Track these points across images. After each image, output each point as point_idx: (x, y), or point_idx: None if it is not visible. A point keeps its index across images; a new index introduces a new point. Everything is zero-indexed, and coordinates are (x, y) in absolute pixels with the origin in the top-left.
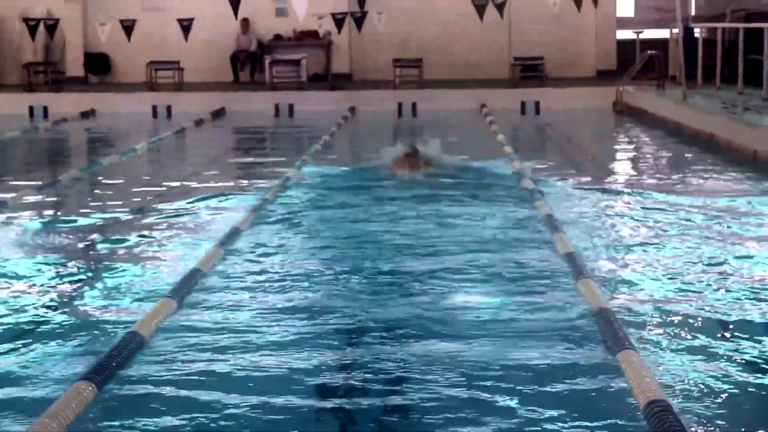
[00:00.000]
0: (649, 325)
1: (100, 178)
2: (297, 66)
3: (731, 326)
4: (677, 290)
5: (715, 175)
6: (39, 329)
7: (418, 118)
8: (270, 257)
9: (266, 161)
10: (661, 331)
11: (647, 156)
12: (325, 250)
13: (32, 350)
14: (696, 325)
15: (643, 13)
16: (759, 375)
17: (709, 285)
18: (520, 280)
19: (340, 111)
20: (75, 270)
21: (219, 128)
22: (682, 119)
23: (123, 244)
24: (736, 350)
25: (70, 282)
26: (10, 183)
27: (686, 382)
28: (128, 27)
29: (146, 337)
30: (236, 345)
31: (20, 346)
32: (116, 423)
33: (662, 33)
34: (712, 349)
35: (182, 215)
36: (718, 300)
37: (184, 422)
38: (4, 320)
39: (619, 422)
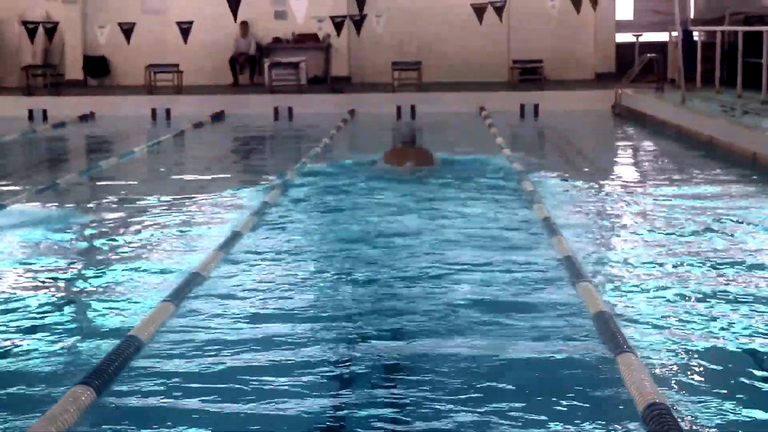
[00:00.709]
0: (648, 327)
1: (99, 181)
2: (296, 69)
3: (731, 329)
4: (676, 292)
5: (714, 178)
6: (37, 333)
7: (416, 120)
8: (270, 261)
9: (266, 164)
10: (660, 333)
11: (646, 159)
12: (325, 252)
13: (30, 354)
14: (695, 327)
15: (642, 16)
16: (758, 377)
17: (709, 287)
18: (519, 282)
19: (340, 114)
20: (73, 273)
21: (218, 131)
22: (681, 122)
23: (121, 248)
24: (736, 353)
25: (68, 285)
26: (9, 186)
27: (685, 384)
28: (127, 30)
29: (144, 341)
30: (235, 349)
31: (18, 349)
32: (114, 427)
33: (661, 36)
34: (711, 352)
35: (181, 219)
36: (718, 302)
37: (182, 427)
38: (2, 323)
39: (618, 425)
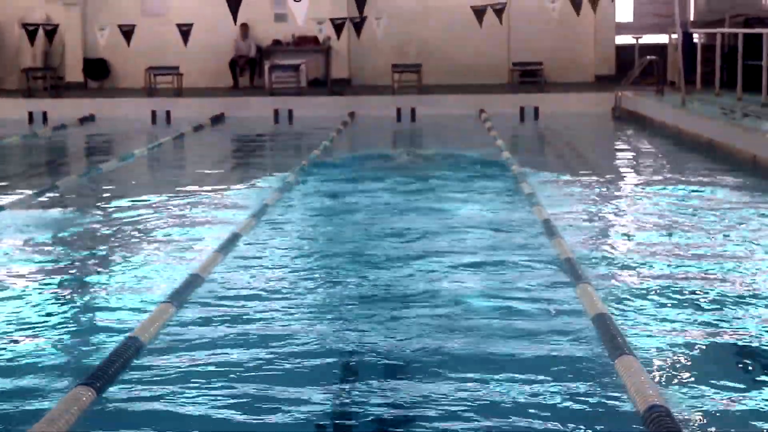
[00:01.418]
0: (647, 329)
1: (99, 183)
2: (296, 71)
3: (732, 331)
4: (676, 295)
5: (714, 181)
6: (38, 334)
7: (416, 123)
8: (270, 262)
9: (266, 167)
10: (659, 335)
11: (646, 161)
12: (325, 253)
13: (31, 355)
14: (695, 329)
15: (642, 18)
16: (759, 380)
17: (709, 289)
18: (519, 285)
19: (340, 116)
20: (73, 275)
21: (218, 134)
22: (681, 124)
23: (121, 250)
24: (736, 355)
25: (68, 287)
26: (9, 188)
27: (686, 387)
28: (127, 32)
29: (145, 343)
30: (236, 350)
31: (19, 351)
32: (115, 428)
33: (661, 38)
34: (712, 354)
35: (181, 220)
36: (718, 305)
37: (183, 428)
38: (3, 325)
39: (619, 428)
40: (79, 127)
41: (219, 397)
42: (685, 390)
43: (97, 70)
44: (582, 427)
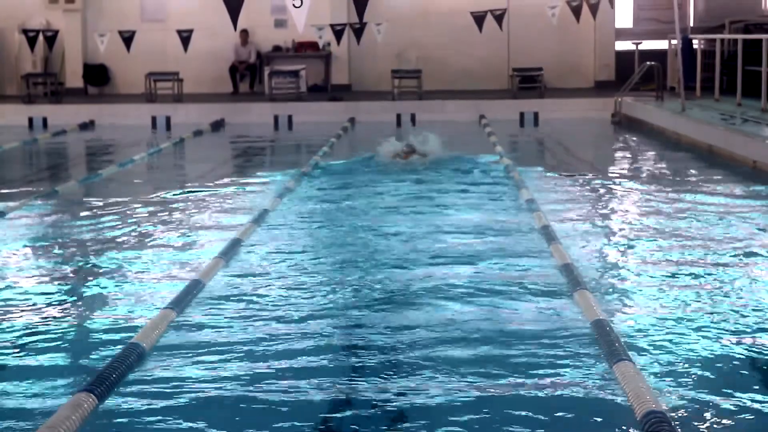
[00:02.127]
0: (646, 335)
1: (99, 189)
2: (296, 77)
3: (730, 336)
4: (675, 300)
5: (714, 186)
6: (38, 340)
7: (417, 128)
8: (271, 267)
9: (266, 172)
10: (658, 341)
11: (646, 167)
12: (325, 259)
13: (32, 361)
14: (693, 335)
15: (641, 24)
16: (758, 385)
17: (707, 295)
18: (517, 290)
19: (340, 122)
20: (75, 281)
21: (218, 139)
22: (680, 130)
23: (122, 256)
24: (735, 360)
25: (70, 293)
26: (9, 194)
27: (684, 392)
28: (127, 38)
29: (147, 349)
30: (236, 356)
31: (20, 357)
32: None
33: (661, 44)
34: (710, 360)
35: (182, 226)
36: (716, 310)
37: None
38: (4, 331)
39: None
40: (79, 133)
41: (221, 403)
42: (682, 395)
43: (97, 76)
44: None
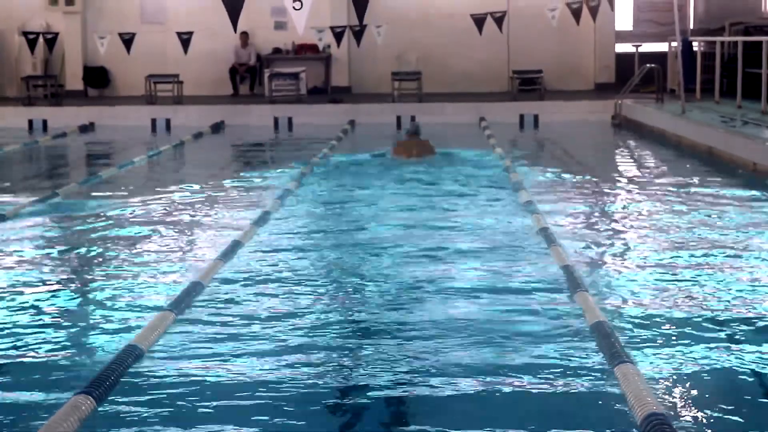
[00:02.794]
0: (646, 337)
1: (99, 191)
2: (296, 79)
3: (730, 338)
4: (675, 302)
5: (714, 188)
6: (37, 342)
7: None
8: (270, 269)
9: (266, 174)
10: (658, 343)
11: (646, 169)
12: (325, 261)
13: (30, 363)
14: (694, 337)
15: (641, 26)
16: (758, 388)
17: (708, 297)
18: (517, 292)
19: (340, 124)
20: (73, 283)
21: (218, 142)
22: (680, 132)
23: (121, 257)
24: (735, 362)
25: (69, 295)
26: (9, 196)
27: (684, 394)
28: (127, 40)
29: (145, 350)
30: (236, 357)
31: (18, 359)
32: None
33: (661, 46)
34: (710, 362)
35: (181, 228)
36: (717, 312)
37: None
38: (2, 333)
39: None
40: (79, 135)
41: (219, 405)
42: (684, 397)
43: (97, 78)
44: None
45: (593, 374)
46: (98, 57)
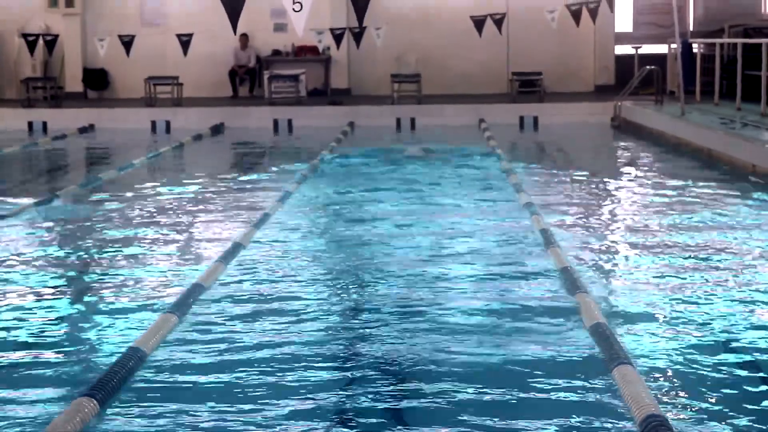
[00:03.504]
0: (645, 339)
1: (99, 193)
2: (296, 81)
3: (730, 340)
4: (674, 304)
5: (713, 190)
6: (39, 345)
7: (416, 132)
8: (272, 271)
9: (266, 176)
10: (657, 345)
11: (645, 171)
12: (326, 263)
13: (33, 367)
14: (694, 338)
15: (641, 28)
16: (758, 389)
17: (708, 298)
18: (517, 293)
19: (339, 126)
20: (75, 285)
21: (218, 143)
22: (680, 134)
23: (122, 260)
24: (735, 365)
25: (70, 297)
26: (9, 198)
27: (683, 396)
28: (127, 42)
29: (147, 353)
30: (238, 360)
31: (21, 362)
32: None
33: (661, 48)
34: (710, 363)
35: (182, 230)
36: (716, 314)
37: None
38: (5, 336)
39: None
40: (78, 137)
41: (221, 408)
42: (683, 399)
43: (96, 80)
44: None
45: (592, 375)
46: (98, 59)
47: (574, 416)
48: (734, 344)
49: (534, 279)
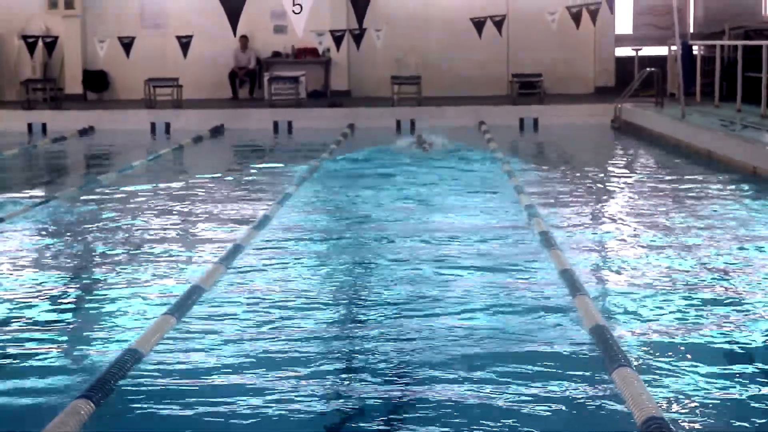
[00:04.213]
0: (645, 341)
1: (99, 195)
2: (296, 83)
3: (729, 343)
4: (675, 306)
5: (714, 192)
6: (37, 346)
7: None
8: (272, 273)
9: (265, 178)
10: (658, 347)
11: (645, 173)
12: (326, 264)
13: (30, 368)
14: (694, 340)
15: (641, 30)
16: (759, 394)
17: (708, 301)
18: (516, 296)
19: (339, 128)
20: (73, 287)
21: (218, 145)
22: (680, 136)
23: (121, 261)
24: (734, 365)
25: (68, 299)
26: (9, 200)
27: (684, 399)
28: (127, 44)
29: (145, 354)
30: (236, 362)
31: (18, 364)
32: None
33: (661, 50)
34: (710, 366)
35: (182, 232)
36: (718, 316)
37: None
38: (2, 338)
39: None
40: (78, 139)
41: (219, 410)
42: (683, 402)
43: (96, 81)
44: None
45: (592, 378)
46: (98, 61)
47: (574, 418)
48: (736, 346)
49: (534, 281)
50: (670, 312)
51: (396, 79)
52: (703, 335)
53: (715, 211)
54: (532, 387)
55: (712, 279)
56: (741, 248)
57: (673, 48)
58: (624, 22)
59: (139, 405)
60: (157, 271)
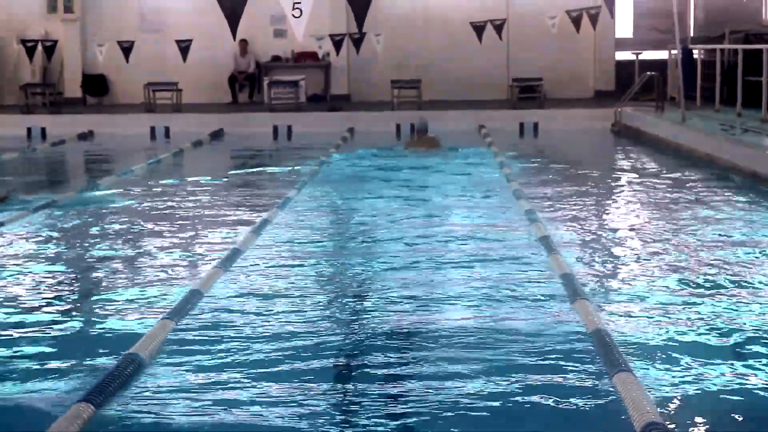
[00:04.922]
0: (645, 345)
1: (98, 199)
2: (295, 87)
3: (731, 347)
4: (674, 310)
5: (714, 197)
6: (37, 351)
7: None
8: (270, 277)
9: (265, 182)
10: (658, 351)
11: (645, 177)
12: (325, 269)
13: (31, 372)
14: (694, 345)
15: (641, 34)
16: (759, 396)
17: (708, 305)
18: (516, 301)
19: (339, 132)
20: (73, 291)
21: (217, 149)
22: (680, 140)
23: (121, 266)
24: (735, 371)
25: (68, 303)
26: (8, 204)
27: (684, 403)
28: (126, 48)
29: (145, 359)
30: (236, 366)
31: (19, 368)
32: None
33: (661, 54)
34: (710, 369)
35: (181, 236)
36: (716, 320)
37: None
38: (2, 342)
39: None
40: (77, 143)
41: (218, 414)
42: (683, 406)
43: (95, 86)
44: None
45: (592, 382)
46: (97, 65)
47: (572, 423)
48: (737, 351)
49: (535, 285)
50: (671, 315)
51: (396, 83)
52: (706, 339)
53: (715, 215)
54: (530, 391)
55: (713, 284)
56: (742, 253)
57: (674, 52)
58: (624, 26)
59: (139, 409)
60: (156, 276)
